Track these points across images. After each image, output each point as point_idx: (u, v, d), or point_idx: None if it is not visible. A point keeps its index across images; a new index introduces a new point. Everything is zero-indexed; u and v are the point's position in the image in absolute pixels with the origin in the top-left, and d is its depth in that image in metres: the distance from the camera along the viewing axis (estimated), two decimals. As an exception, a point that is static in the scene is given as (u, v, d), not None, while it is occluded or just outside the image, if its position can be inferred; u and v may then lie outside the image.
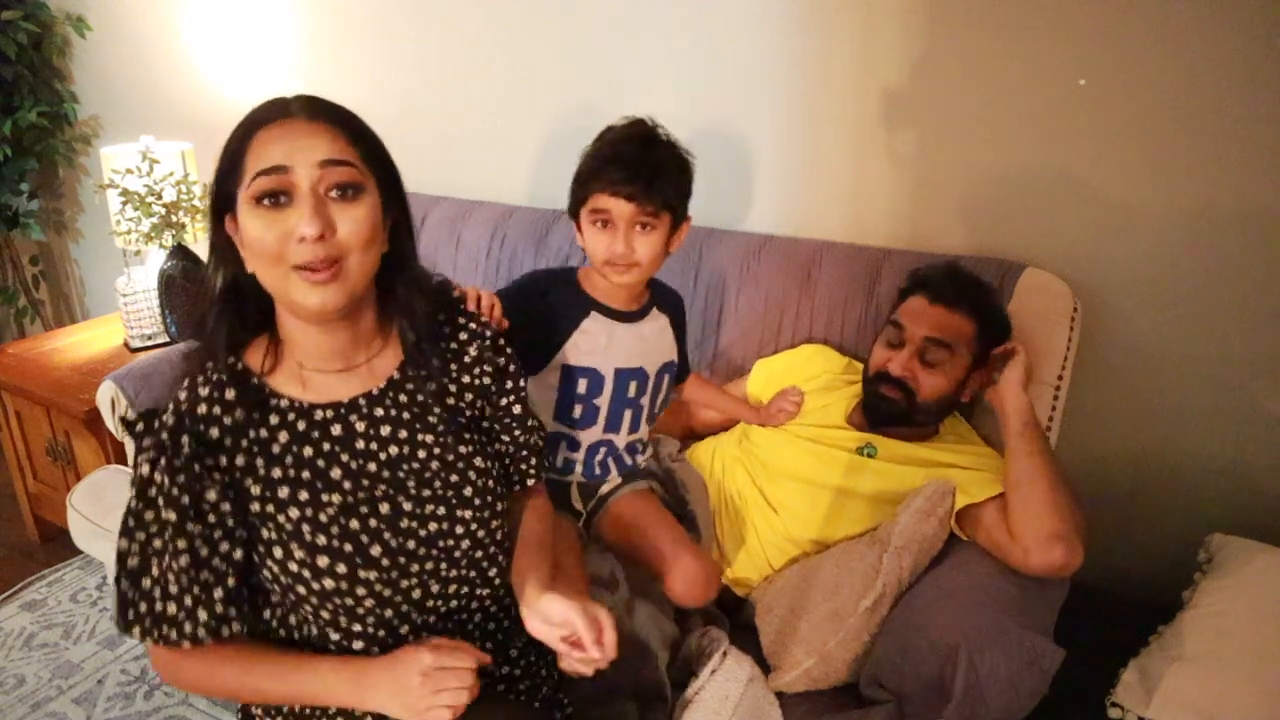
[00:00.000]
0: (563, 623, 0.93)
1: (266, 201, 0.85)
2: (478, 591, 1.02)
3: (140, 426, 0.90)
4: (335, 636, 0.94)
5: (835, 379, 1.52)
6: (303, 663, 0.94)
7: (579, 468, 1.34)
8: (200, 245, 2.18)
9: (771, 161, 1.75)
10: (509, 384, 1.08)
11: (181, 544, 0.88)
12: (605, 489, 1.36)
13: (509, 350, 1.08)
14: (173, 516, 0.88)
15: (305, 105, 0.89)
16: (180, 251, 2.13)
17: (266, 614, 0.97)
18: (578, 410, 1.31)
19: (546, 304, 1.28)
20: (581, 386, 1.30)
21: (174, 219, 2.08)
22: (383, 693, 0.89)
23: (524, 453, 1.11)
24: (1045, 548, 1.16)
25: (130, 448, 0.90)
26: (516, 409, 1.09)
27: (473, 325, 1.04)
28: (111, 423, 1.76)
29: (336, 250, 0.86)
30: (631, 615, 1.20)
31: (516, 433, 1.09)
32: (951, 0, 1.49)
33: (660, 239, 1.24)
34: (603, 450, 1.35)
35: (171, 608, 0.89)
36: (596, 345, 1.29)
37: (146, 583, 0.89)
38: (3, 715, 1.73)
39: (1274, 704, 1.10)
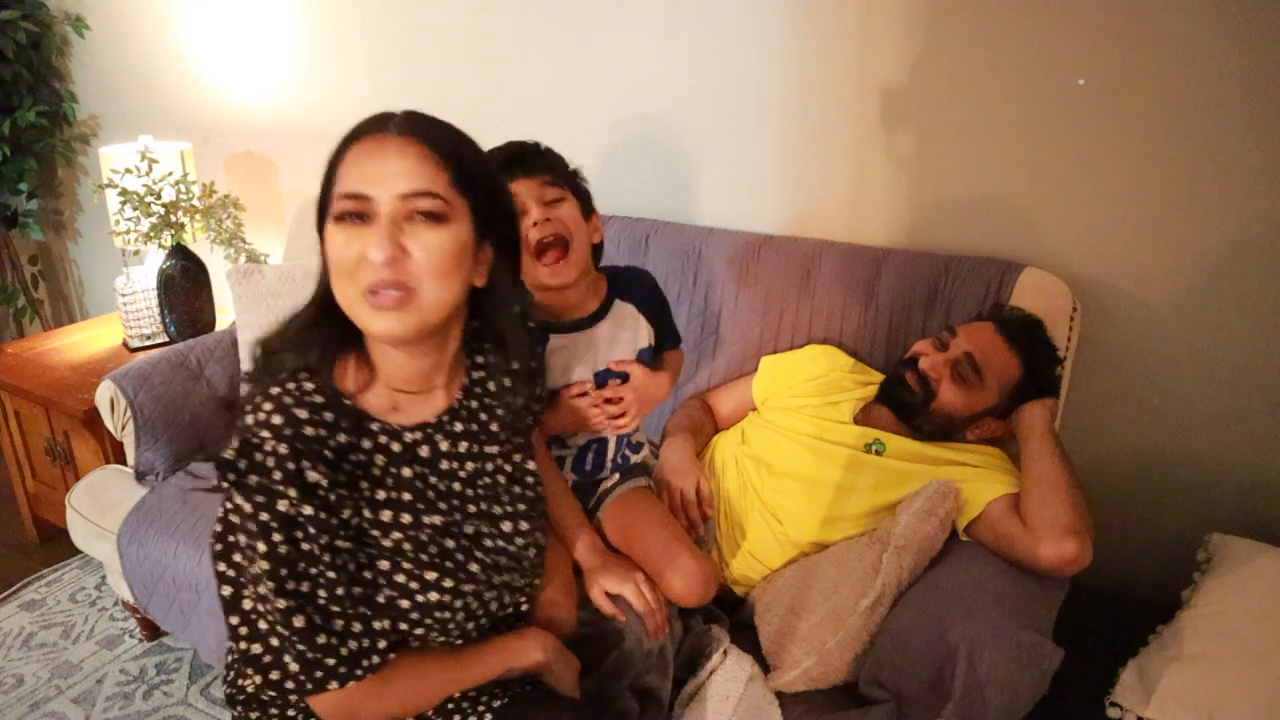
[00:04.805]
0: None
1: (347, 219, 0.84)
2: (529, 593, 1.07)
3: (244, 465, 0.82)
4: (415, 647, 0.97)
5: (844, 378, 1.52)
6: (466, 653, 0.99)
7: (568, 465, 1.34)
8: (199, 245, 2.18)
9: (771, 161, 1.75)
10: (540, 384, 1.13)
11: (340, 560, 0.86)
12: (605, 485, 1.36)
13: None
14: (324, 540, 0.84)
15: (403, 121, 0.86)
16: (179, 251, 2.13)
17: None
18: None
19: None
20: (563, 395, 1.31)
21: (173, 219, 2.07)
22: (529, 642, 1.02)
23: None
24: (1059, 539, 1.17)
25: (233, 497, 0.84)
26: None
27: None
28: (110, 422, 1.76)
29: (405, 275, 0.84)
30: (633, 615, 1.20)
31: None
32: (951, 0, 1.49)
33: (576, 210, 1.25)
34: (593, 449, 1.35)
35: (353, 643, 0.88)
36: (568, 363, 1.29)
37: (322, 638, 0.86)
38: (2, 715, 1.73)
39: (1273, 704, 1.10)
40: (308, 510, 0.83)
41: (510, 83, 1.98)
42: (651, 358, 1.38)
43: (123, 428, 1.75)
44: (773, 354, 1.63)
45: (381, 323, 0.84)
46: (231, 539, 0.91)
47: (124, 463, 1.83)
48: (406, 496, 0.92)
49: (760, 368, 1.61)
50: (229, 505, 0.84)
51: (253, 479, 0.82)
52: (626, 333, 1.34)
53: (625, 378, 1.32)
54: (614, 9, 1.80)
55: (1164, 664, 1.19)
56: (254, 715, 0.99)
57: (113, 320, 2.39)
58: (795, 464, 1.41)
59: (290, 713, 0.98)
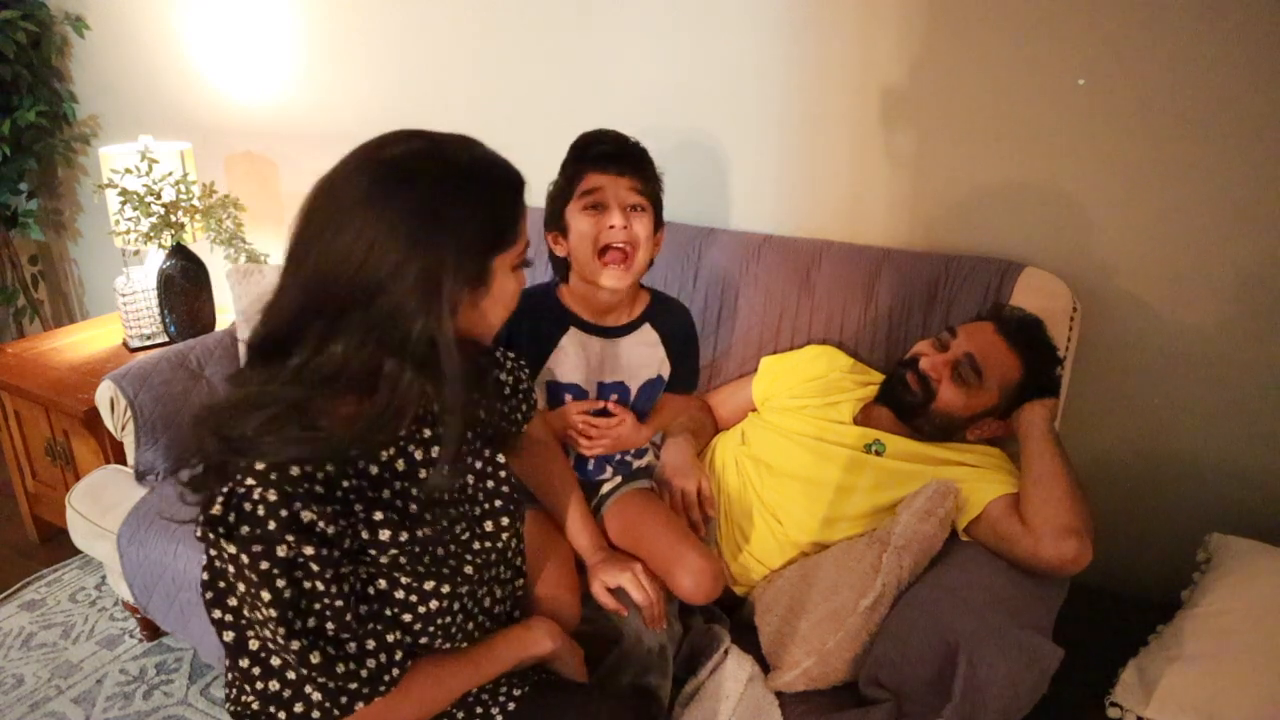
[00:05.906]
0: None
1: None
2: (517, 582, 1.09)
3: (233, 518, 0.80)
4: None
5: (843, 378, 1.52)
6: (478, 650, 1.01)
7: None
8: (199, 245, 2.18)
9: (771, 161, 1.75)
10: (524, 386, 1.15)
11: (344, 587, 0.85)
12: (607, 488, 1.37)
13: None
14: (328, 574, 0.83)
15: None
16: (179, 251, 2.12)
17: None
18: None
19: (529, 323, 1.26)
20: (567, 400, 1.31)
21: (173, 219, 2.07)
22: (537, 633, 1.06)
23: (520, 396, 1.15)
24: (1059, 539, 1.17)
25: (222, 548, 0.81)
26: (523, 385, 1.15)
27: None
28: (110, 422, 1.76)
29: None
30: (634, 612, 1.21)
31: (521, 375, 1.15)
32: (951, 0, 1.49)
33: (650, 222, 1.24)
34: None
35: (370, 662, 0.87)
36: (576, 362, 1.29)
37: (341, 667, 0.85)
38: (2, 715, 1.73)
39: (1273, 704, 1.10)
40: (308, 550, 0.81)
41: (510, 83, 1.98)
42: (657, 391, 1.38)
43: (123, 428, 1.75)
44: (773, 354, 1.63)
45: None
46: (222, 585, 0.89)
47: (124, 463, 1.83)
48: (394, 515, 0.92)
49: (760, 368, 1.61)
50: (220, 554, 0.82)
51: (244, 530, 0.79)
52: (641, 357, 1.34)
53: (624, 393, 1.33)
54: (614, 9, 1.80)
55: (1164, 664, 1.19)
56: None
57: (113, 320, 2.39)
58: (795, 464, 1.41)
59: None
